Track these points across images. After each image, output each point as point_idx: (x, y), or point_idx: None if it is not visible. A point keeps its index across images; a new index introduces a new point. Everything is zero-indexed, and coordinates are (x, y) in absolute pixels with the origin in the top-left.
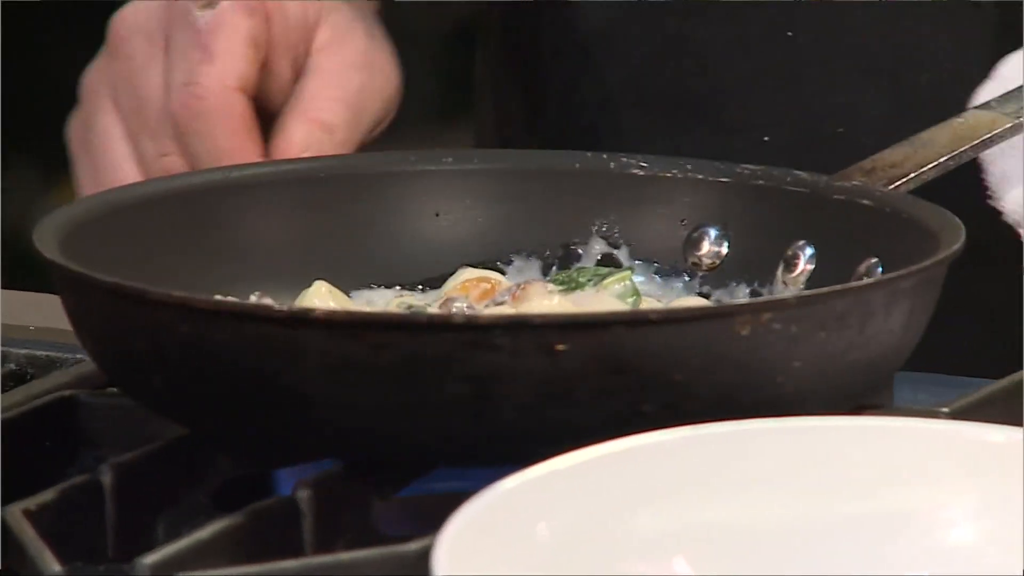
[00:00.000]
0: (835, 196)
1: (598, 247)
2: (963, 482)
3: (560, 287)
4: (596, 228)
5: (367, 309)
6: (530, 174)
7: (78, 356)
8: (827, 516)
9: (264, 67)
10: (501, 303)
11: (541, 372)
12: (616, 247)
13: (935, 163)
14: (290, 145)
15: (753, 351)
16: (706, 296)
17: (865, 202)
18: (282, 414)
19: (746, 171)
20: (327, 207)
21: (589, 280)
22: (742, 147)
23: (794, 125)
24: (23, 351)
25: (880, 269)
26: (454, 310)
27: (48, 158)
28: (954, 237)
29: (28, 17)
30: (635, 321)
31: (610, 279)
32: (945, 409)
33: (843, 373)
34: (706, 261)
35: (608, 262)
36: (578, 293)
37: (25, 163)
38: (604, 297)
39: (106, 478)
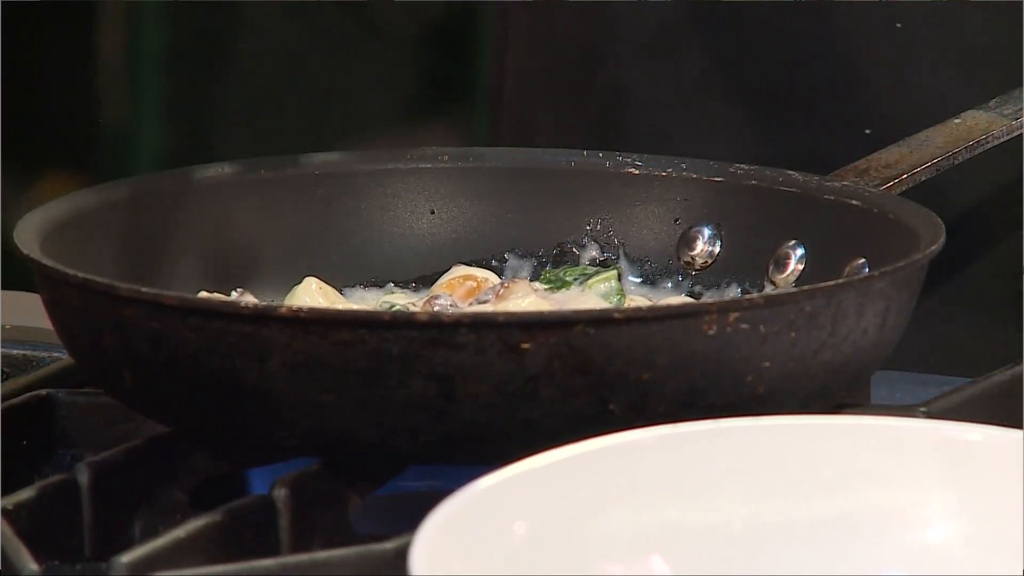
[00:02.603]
0: (825, 196)
1: (591, 246)
2: (940, 481)
3: (546, 286)
4: (590, 227)
5: (354, 307)
6: (525, 172)
7: (54, 355)
8: (803, 514)
9: None
10: (485, 301)
11: (506, 371)
12: (609, 246)
13: (929, 164)
14: None
15: (721, 351)
16: (698, 296)
17: (854, 202)
18: (249, 412)
19: (740, 171)
20: (322, 205)
21: (575, 279)
22: (842, 141)
23: (897, 118)
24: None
25: (867, 269)
26: (437, 308)
27: (27, 156)
28: (933, 238)
29: (14, 20)
30: (600, 320)
31: (595, 278)
32: (923, 408)
33: (816, 373)
34: (699, 260)
35: (602, 261)
36: (563, 292)
37: (4, 161)
38: (588, 296)
39: (83, 477)
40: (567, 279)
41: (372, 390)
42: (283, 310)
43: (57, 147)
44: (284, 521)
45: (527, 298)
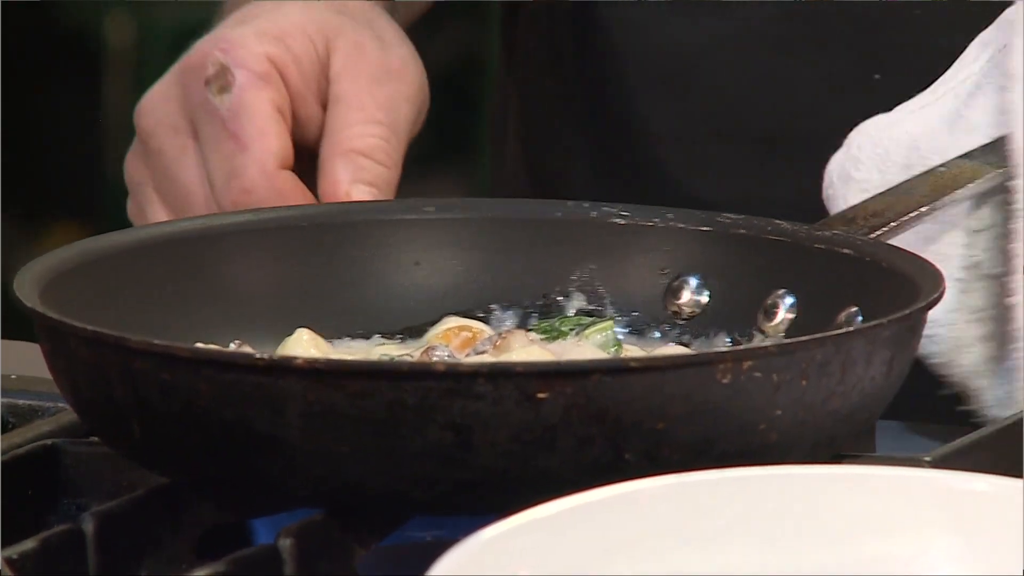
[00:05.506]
0: (815, 245)
1: (577, 296)
2: (945, 531)
3: (542, 336)
4: (576, 277)
5: (349, 358)
6: (511, 223)
7: (59, 405)
8: (809, 564)
9: (294, 121)
10: (483, 352)
11: (522, 420)
12: (595, 296)
13: (916, 212)
14: (338, 185)
15: (734, 399)
16: (686, 345)
17: (845, 251)
18: (263, 463)
19: (727, 220)
20: (308, 255)
21: (571, 330)
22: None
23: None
24: (3, 400)
25: (860, 318)
26: (435, 359)
27: (32, 207)
28: (933, 286)
29: (20, 70)
30: (616, 369)
31: (592, 329)
32: (927, 458)
33: (825, 421)
34: (686, 310)
35: (588, 312)
36: (559, 342)
37: (6, 212)
38: (585, 347)
39: (88, 527)
40: (563, 329)
41: (388, 440)
42: (300, 361)
43: (62, 198)
44: (289, 570)
45: (528, 348)
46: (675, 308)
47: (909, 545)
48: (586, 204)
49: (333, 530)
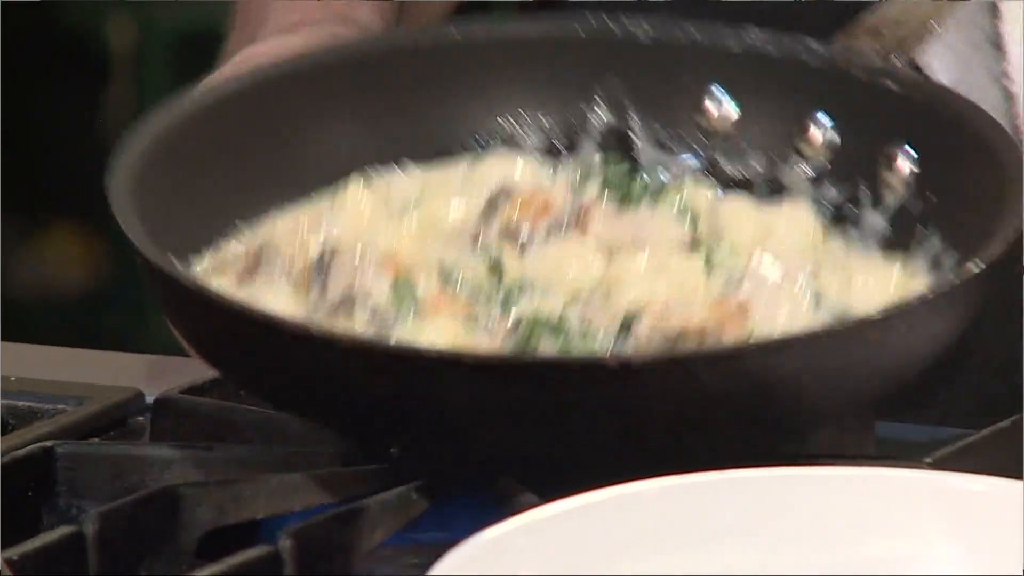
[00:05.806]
0: (854, 74)
1: (602, 114)
2: (945, 532)
3: (616, 196)
4: (600, 95)
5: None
6: (532, 42)
7: (59, 407)
8: (808, 565)
9: None
10: (561, 226)
11: (685, 401)
12: (620, 113)
13: (937, 16)
14: None
15: (883, 354)
16: (717, 164)
17: (890, 84)
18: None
19: (756, 38)
20: (365, 90)
21: (643, 194)
22: None
23: None
24: (3, 402)
25: (912, 151)
26: (520, 242)
27: (31, 209)
28: (1009, 149)
29: (23, 68)
30: (772, 347)
31: (666, 196)
32: (927, 458)
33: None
34: (717, 127)
35: (614, 129)
36: (633, 214)
37: (6, 212)
38: (660, 218)
39: (88, 527)
40: (634, 193)
41: (565, 425)
42: (467, 358)
43: (62, 198)
44: (289, 571)
45: (634, 261)
46: (706, 126)
47: (909, 546)
48: (608, 19)
49: (333, 531)
